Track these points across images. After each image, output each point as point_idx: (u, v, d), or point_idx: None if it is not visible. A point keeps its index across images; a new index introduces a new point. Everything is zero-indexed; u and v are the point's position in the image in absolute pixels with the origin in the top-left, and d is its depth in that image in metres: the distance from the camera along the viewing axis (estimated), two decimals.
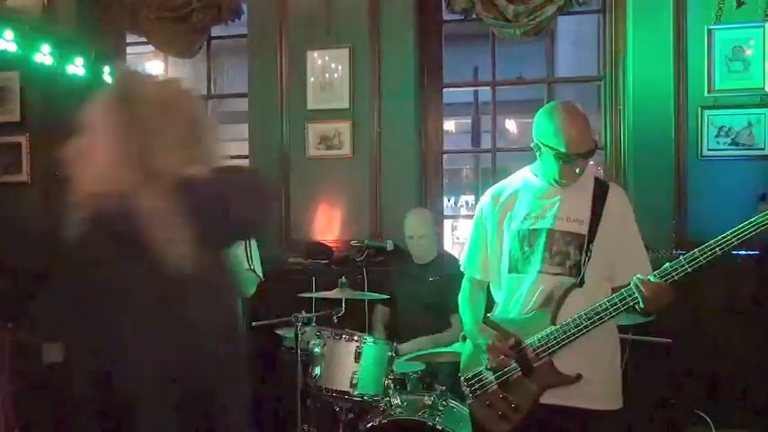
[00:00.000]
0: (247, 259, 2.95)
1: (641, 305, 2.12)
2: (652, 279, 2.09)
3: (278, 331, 3.62)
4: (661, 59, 3.96)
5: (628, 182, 4.03)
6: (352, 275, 3.75)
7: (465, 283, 2.56)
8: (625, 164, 4.13)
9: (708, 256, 2.06)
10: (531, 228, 2.30)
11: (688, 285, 2.13)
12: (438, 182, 4.60)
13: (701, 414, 3.56)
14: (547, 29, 4.23)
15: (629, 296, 2.14)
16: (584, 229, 2.26)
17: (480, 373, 2.35)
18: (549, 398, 2.24)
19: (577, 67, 10.22)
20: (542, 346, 2.23)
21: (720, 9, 3.85)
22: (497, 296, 2.44)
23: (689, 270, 2.07)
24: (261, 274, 2.99)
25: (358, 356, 3.04)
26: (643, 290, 2.09)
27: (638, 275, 2.11)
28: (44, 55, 4.19)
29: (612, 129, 4.22)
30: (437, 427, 2.88)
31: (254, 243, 3.02)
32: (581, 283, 2.22)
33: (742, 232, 2.06)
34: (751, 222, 2.06)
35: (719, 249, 2.05)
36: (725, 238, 2.06)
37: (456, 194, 14.01)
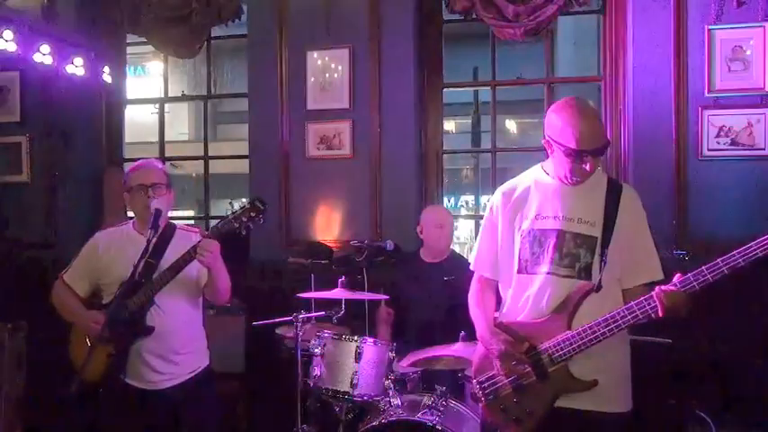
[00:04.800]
0: None
1: (660, 314, 2.10)
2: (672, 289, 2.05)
3: (278, 331, 3.62)
4: (661, 59, 3.96)
5: (628, 182, 4.02)
6: (352, 275, 3.75)
7: (474, 283, 2.52)
8: (625, 164, 4.13)
9: (730, 266, 2.03)
10: (542, 228, 2.28)
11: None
12: (438, 182, 4.59)
13: (701, 414, 3.56)
14: (547, 29, 4.23)
15: (649, 305, 2.11)
16: (595, 232, 2.23)
17: (493, 376, 2.32)
18: (561, 401, 2.22)
19: (577, 67, 10.23)
20: (558, 351, 2.20)
21: (720, 9, 3.85)
22: (506, 295, 2.41)
23: (711, 280, 2.05)
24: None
25: (358, 356, 3.03)
26: (665, 301, 2.06)
27: (662, 287, 2.08)
28: (44, 55, 4.19)
29: (612, 129, 4.22)
30: (437, 427, 2.88)
31: None
32: (598, 288, 2.20)
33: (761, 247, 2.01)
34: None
35: (743, 260, 2.02)
36: (748, 248, 2.02)
37: (456, 194, 14.01)
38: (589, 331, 2.16)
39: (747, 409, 3.69)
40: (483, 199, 12.32)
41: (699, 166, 3.90)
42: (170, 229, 2.86)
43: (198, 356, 2.93)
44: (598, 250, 2.21)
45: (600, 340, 2.15)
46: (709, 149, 3.88)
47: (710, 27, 3.86)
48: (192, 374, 2.86)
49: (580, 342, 2.17)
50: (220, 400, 3.04)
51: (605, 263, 2.20)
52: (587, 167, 2.20)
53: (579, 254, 2.22)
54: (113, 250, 2.85)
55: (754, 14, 3.82)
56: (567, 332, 2.19)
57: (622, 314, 2.14)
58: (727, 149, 3.85)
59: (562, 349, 2.19)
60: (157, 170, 2.90)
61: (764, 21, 3.79)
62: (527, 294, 2.29)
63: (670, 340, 3.31)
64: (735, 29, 3.84)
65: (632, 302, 2.14)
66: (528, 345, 2.23)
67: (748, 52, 3.82)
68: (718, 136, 3.87)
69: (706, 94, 3.88)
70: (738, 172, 3.84)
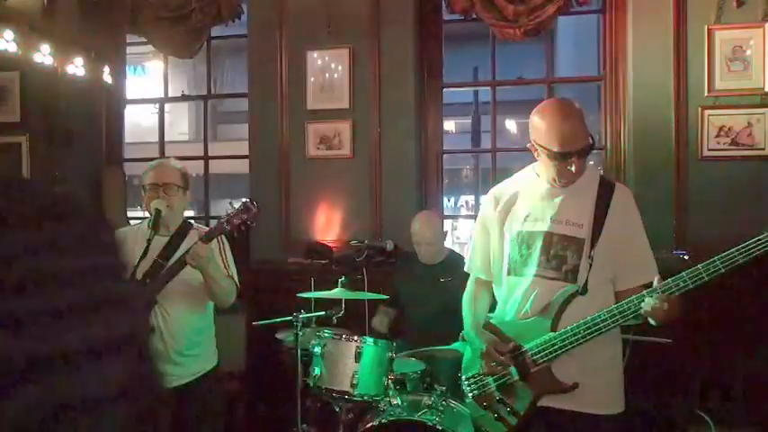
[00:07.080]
0: (225, 266, 2.81)
1: (653, 323, 2.10)
2: (659, 297, 2.02)
3: (278, 335, 3.62)
4: (661, 59, 3.96)
5: (628, 182, 4.02)
6: (352, 275, 3.74)
7: (469, 284, 2.53)
8: (625, 164, 4.13)
9: (711, 273, 2.00)
10: (530, 230, 2.27)
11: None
12: (438, 182, 4.59)
13: (701, 414, 3.56)
14: (547, 29, 4.23)
15: (630, 309, 2.10)
16: (583, 233, 2.21)
17: (479, 374, 2.34)
18: (547, 401, 2.22)
19: (577, 67, 10.24)
20: (540, 352, 2.20)
21: (720, 9, 3.85)
22: (498, 296, 2.42)
23: (691, 286, 2.03)
24: (237, 282, 2.90)
25: (358, 357, 3.03)
26: (653, 313, 2.04)
27: (648, 300, 2.04)
28: (44, 55, 4.19)
29: (612, 129, 4.22)
30: (437, 427, 2.88)
31: (227, 247, 2.85)
32: (584, 291, 2.18)
33: (748, 249, 1.98)
34: (758, 239, 1.98)
35: (723, 267, 1.99)
36: (730, 254, 1.99)
37: (456, 194, 14.02)
38: (570, 333, 2.16)
39: (747, 410, 3.70)
40: (483, 199, 12.30)
41: (699, 166, 3.90)
42: (184, 229, 2.84)
43: (203, 360, 2.91)
44: (586, 252, 2.19)
45: (581, 343, 2.15)
46: (709, 149, 3.88)
47: (710, 27, 3.86)
48: (195, 377, 2.85)
49: (561, 344, 2.17)
50: (223, 403, 3.03)
51: (591, 265, 2.18)
52: (572, 169, 2.17)
53: (566, 256, 2.21)
54: (126, 246, 2.82)
55: (754, 14, 3.82)
56: (550, 333, 2.19)
57: (603, 318, 2.13)
58: (727, 149, 3.86)
59: (544, 350, 2.20)
60: (172, 170, 2.87)
61: (764, 21, 3.80)
62: (515, 296, 2.29)
63: (670, 340, 3.31)
64: (735, 29, 3.84)
65: (614, 306, 2.13)
66: (513, 345, 2.24)
67: (748, 52, 3.82)
68: (718, 136, 3.87)
69: (706, 94, 3.89)
70: (738, 172, 3.84)
